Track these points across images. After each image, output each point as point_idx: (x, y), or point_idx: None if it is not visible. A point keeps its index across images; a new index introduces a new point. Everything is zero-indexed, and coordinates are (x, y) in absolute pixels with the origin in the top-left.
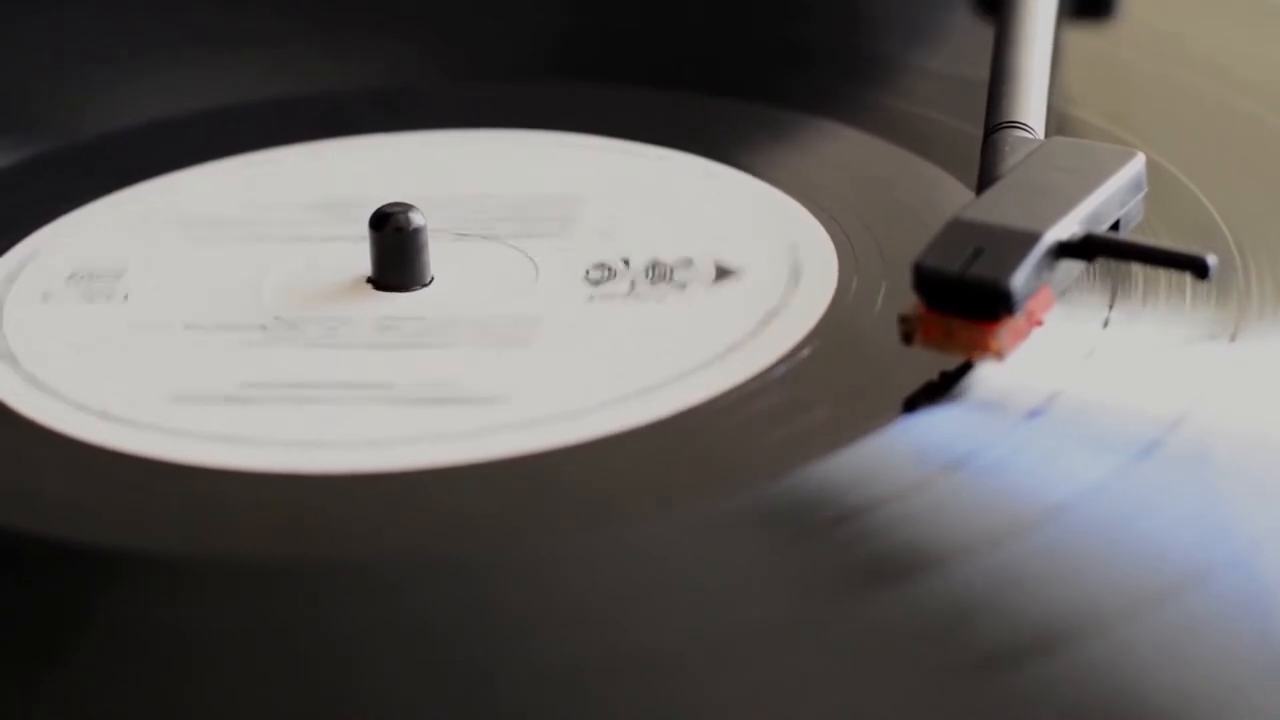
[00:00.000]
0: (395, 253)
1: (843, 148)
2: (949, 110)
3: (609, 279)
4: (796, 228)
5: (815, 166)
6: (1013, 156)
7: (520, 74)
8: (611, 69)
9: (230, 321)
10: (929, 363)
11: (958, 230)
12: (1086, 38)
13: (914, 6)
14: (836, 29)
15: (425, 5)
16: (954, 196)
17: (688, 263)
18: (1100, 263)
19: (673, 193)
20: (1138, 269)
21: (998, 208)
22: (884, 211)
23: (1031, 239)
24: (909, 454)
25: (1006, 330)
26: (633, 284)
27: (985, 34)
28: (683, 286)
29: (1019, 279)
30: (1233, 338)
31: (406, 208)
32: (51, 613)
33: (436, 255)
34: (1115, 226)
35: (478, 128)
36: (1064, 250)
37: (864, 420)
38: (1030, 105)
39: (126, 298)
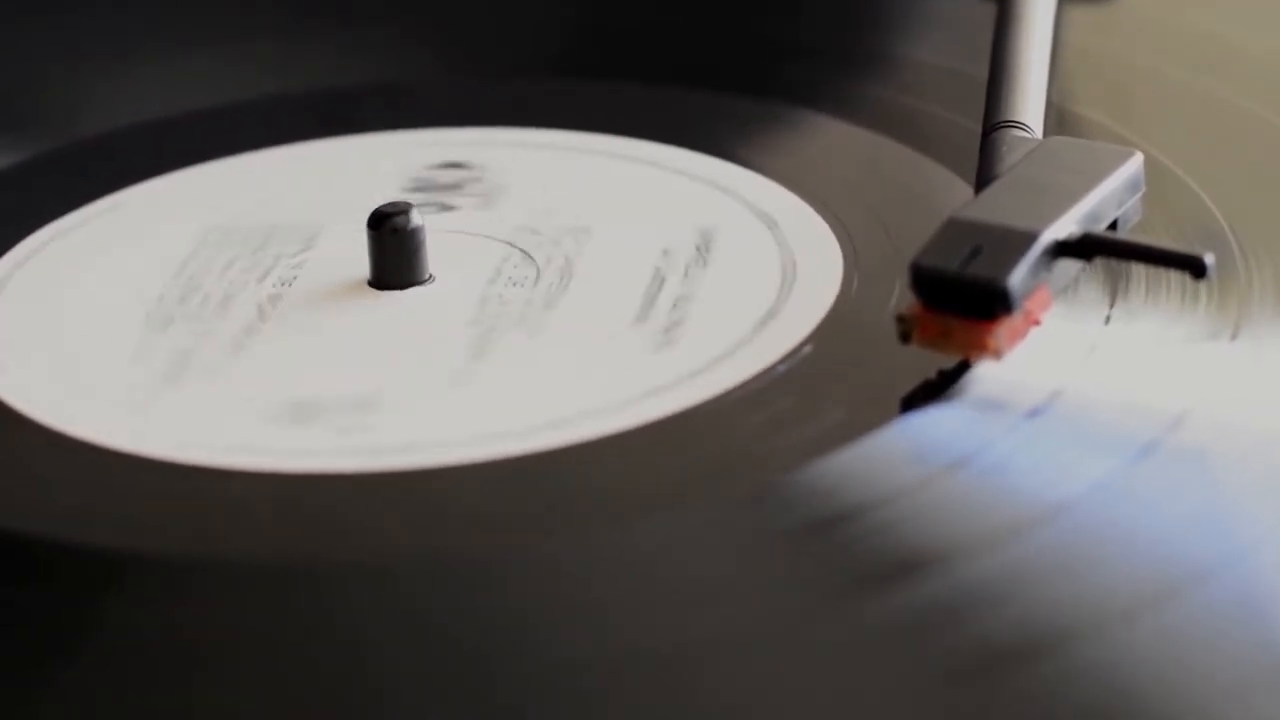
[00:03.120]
0: (393, 252)
1: (843, 143)
2: (951, 105)
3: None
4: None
5: (816, 162)
6: (1011, 156)
7: (518, 72)
8: (607, 66)
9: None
10: (930, 362)
11: (955, 229)
12: (1086, 33)
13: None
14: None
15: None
16: (956, 194)
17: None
18: (1101, 261)
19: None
20: (1139, 267)
21: (996, 207)
22: (884, 209)
23: (1029, 238)
24: (909, 453)
25: (1004, 330)
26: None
27: (986, 28)
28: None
29: (1017, 278)
30: (1234, 336)
31: (405, 207)
32: (56, 615)
33: (436, 255)
34: (1113, 226)
35: (477, 125)
36: (1062, 249)
37: (863, 419)
38: (1029, 104)
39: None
